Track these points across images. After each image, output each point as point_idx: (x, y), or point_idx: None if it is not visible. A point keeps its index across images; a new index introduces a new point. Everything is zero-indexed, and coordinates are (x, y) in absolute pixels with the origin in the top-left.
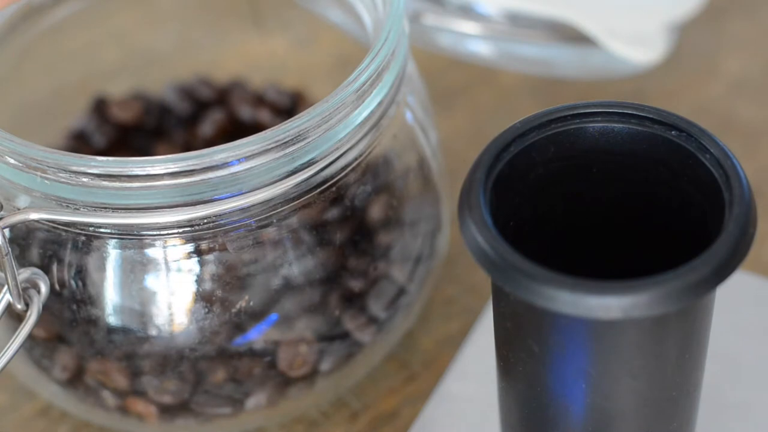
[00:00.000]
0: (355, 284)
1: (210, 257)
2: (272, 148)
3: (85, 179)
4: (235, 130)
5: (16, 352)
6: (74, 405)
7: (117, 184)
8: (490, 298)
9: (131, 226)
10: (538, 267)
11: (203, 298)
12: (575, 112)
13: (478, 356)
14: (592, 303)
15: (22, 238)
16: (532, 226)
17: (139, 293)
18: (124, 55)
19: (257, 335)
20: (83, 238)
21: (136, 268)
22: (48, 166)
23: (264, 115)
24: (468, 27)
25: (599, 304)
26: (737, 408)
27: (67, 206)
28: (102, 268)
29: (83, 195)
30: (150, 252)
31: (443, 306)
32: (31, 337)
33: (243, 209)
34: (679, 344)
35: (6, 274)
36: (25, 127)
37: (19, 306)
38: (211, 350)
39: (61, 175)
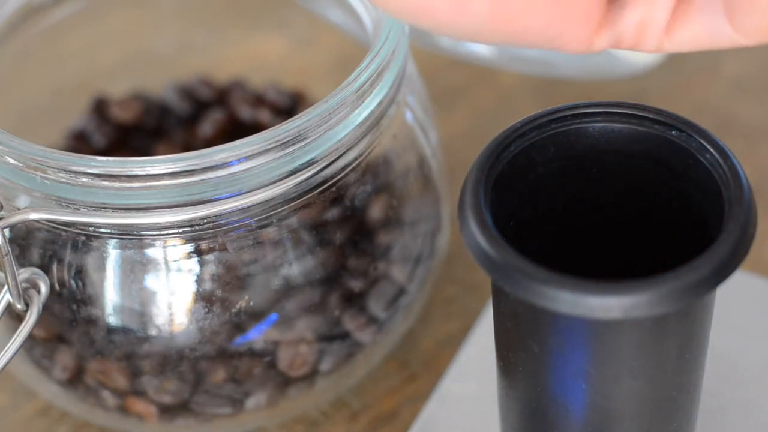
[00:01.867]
0: (355, 284)
1: (210, 257)
2: (272, 148)
3: (85, 179)
4: (235, 130)
5: (16, 352)
6: (74, 405)
7: (117, 184)
8: (490, 298)
9: (131, 226)
10: (538, 267)
11: (203, 298)
12: (575, 112)
13: (478, 356)
14: (592, 303)
15: (22, 238)
16: (532, 226)
17: (139, 293)
18: (124, 55)
19: (257, 335)
20: (83, 238)
21: (136, 268)
22: (48, 166)
23: (264, 115)
24: None
25: (599, 304)
26: (737, 408)
27: (67, 206)
28: (102, 268)
29: (83, 195)
30: (150, 252)
31: (443, 306)
32: (31, 337)
33: (243, 209)
34: (679, 344)
35: (6, 274)
36: (25, 127)
37: (19, 306)
38: (211, 350)
39: (61, 175)
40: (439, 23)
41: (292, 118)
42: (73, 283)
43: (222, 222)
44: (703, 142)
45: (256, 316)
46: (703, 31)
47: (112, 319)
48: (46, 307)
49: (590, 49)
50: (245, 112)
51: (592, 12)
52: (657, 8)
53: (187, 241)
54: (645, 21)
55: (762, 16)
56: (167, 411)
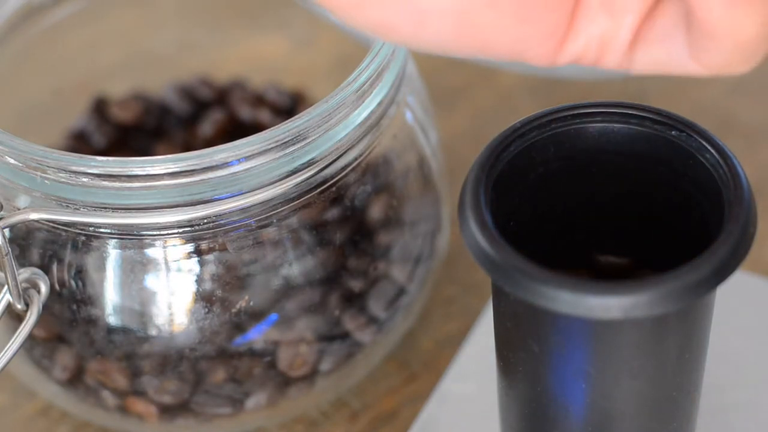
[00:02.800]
0: (355, 284)
1: (210, 257)
2: (272, 148)
3: (85, 179)
4: (235, 130)
5: (16, 352)
6: (74, 405)
7: (117, 184)
8: (490, 298)
9: (131, 226)
10: (538, 267)
11: (203, 298)
12: (575, 112)
13: (478, 356)
14: (592, 303)
15: (22, 238)
16: (532, 226)
17: (139, 293)
18: (124, 55)
19: (257, 335)
20: (83, 238)
21: (136, 268)
22: (48, 166)
23: (264, 115)
24: None
25: (599, 304)
26: (737, 408)
27: (67, 206)
28: (102, 268)
29: (83, 195)
30: (150, 252)
31: (443, 306)
32: (31, 337)
33: (243, 209)
34: (679, 344)
35: (6, 274)
36: (25, 127)
37: (19, 306)
38: (211, 350)
39: (61, 175)
40: (403, 39)
41: (292, 118)
42: (73, 283)
43: (222, 222)
44: (703, 142)
45: (256, 316)
46: (664, 57)
47: (112, 319)
48: (46, 307)
49: (554, 63)
50: (245, 112)
51: (557, 28)
52: (620, 27)
53: (187, 241)
54: (607, 38)
55: (724, 55)
56: (167, 411)
